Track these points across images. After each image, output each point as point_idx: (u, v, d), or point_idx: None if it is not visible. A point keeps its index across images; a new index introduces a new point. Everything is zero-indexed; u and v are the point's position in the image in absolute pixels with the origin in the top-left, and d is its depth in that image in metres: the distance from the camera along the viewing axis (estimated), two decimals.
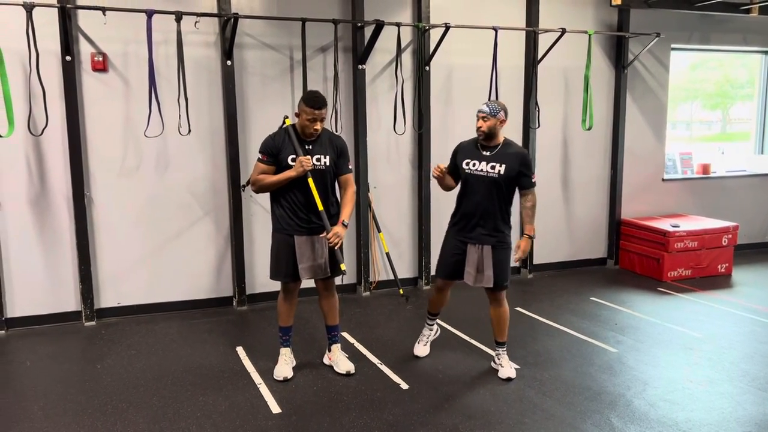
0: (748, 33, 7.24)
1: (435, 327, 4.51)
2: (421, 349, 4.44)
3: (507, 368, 4.07)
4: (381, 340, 4.74)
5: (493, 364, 4.22)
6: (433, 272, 6.19)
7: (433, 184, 6.01)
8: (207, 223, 5.46)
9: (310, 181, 3.79)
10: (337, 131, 5.62)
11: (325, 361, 4.26)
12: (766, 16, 6.83)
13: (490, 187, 3.90)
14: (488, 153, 3.94)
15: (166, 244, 5.37)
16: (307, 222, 3.85)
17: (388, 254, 5.85)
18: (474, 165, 3.96)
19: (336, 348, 4.19)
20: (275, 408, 3.63)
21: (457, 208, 4.09)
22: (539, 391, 3.85)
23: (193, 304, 5.49)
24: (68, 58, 4.83)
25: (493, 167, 3.90)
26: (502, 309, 4.07)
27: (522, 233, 3.96)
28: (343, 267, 3.90)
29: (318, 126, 3.78)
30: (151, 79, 4.76)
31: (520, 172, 3.91)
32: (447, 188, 4.20)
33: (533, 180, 3.97)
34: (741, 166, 7.84)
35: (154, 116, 4.86)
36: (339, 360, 4.14)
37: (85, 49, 4.96)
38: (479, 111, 3.96)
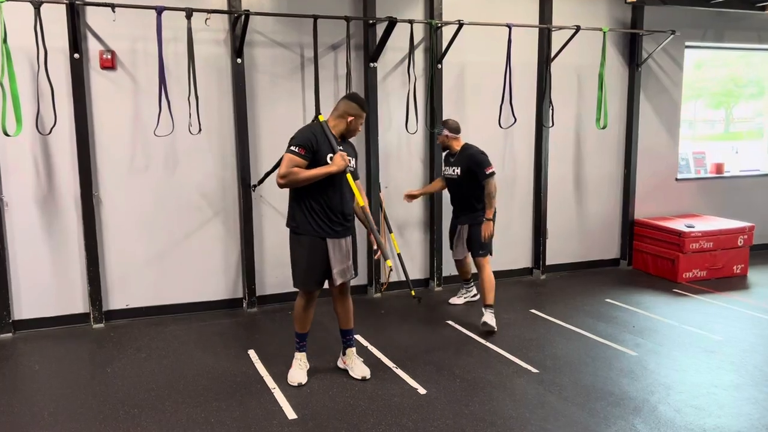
0: (763, 30, 7.14)
1: (473, 290, 5.64)
2: (456, 300, 5.64)
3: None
4: (395, 343, 4.65)
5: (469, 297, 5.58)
6: (445, 273, 6.13)
7: None
8: (216, 223, 5.38)
9: (350, 176, 3.72)
10: None
11: (339, 365, 4.17)
12: None
13: (457, 184, 5.15)
14: (453, 159, 5.17)
15: (175, 245, 5.28)
16: (338, 224, 3.78)
17: (399, 255, 5.76)
18: (446, 170, 5.27)
19: (351, 352, 4.10)
20: (291, 414, 3.55)
21: (450, 200, 5.39)
22: (560, 396, 3.76)
23: (202, 306, 5.40)
24: (76, 55, 4.74)
25: (454, 170, 5.13)
26: (483, 274, 5.02)
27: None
28: (389, 263, 4.30)
29: (361, 128, 3.88)
30: (161, 77, 4.68)
31: (470, 169, 4.98)
32: (431, 192, 5.72)
33: (486, 173, 4.91)
34: (755, 165, 7.73)
35: (164, 115, 4.77)
36: (354, 364, 4.06)
37: (93, 47, 4.88)
38: (437, 133, 5.30)
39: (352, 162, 3.84)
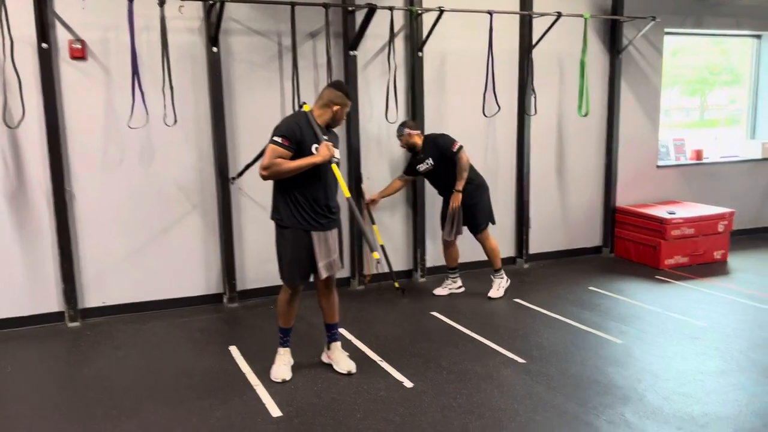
0: (742, 17, 7.15)
1: (458, 281, 5.62)
2: (440, 291, 5.57)
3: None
4: (379, 336, 4.58)
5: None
6: (429, 264, 6.06)
7: None
8: (194, 217, 5.25)
9: (335, 167, 3.62)
10: None
11: (324, 359, 4.09)
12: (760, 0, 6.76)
13: (436, 174, 5.32)
14: (421, 155, 5.33)
15: (152, 240, 5.14)
16: (323, 216, 3.68)
17: (382, 246, 5.69)
18: (420, 167, 5.37)
19: (336, 346, 4.02)
20: (275, 411, 3.46)
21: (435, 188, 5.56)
22: (548, 386, 3.72)
23: (182, 302, 5.28)
24: (45, 45, 4.57)
25: (427, 162, 5.29)
26: (487, 245, 5.42)
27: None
28: (376, 256, 4.14)
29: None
30: (134, 68, 4.53)
31: (441, 154, 5.18)
32: (392, 194, 5.72)
33: (454, 150, 5.12)
34: (734, 151, 7.78)
35: (137, 106, 4.62)
36: (339, 359, 3.98)
37: (62, 36, 4.70)
38: (398, 136, 5.43)
39: (337, 153, 3.74)
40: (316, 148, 3.58)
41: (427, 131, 5.82)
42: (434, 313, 5.07)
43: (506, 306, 5.24)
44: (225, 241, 5.26)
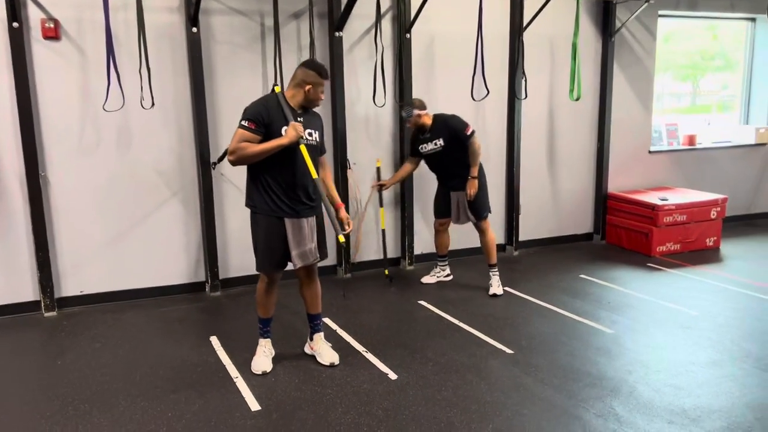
0: None
1: (447, 269, 5.48)
2: (428, 279, 5.43)
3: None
4: (365, 326, 4.46)
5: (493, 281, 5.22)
6: (416, 252, 5.94)
7: None
8: (175, 203, 5.09)
9: (303, 148, 3.42)
10: None
11: (306, 350, 3.97)
12: None
13: (443, 156, 5.05)
14: (428, 134, 5.06)
15: (131, 227, 4.99)
16: (298, 202, 3.51)
17: (384, 231, 5.51)
18: (425, 147, 5.09)
19: (318, 337, 3.90)
20: (254, 405, 3.34)
21: (434, 172, 5.31)
22: (536, 378, 3.62)
23: (162, 291, 5.14)
24: (15, 24, 4.38)
25: (436, 143, 5.02)
26: (487, 237, 5.16)
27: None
28: (341, 239, 3.59)
29: (323, 97, 3.57)
30: (109, 48, 4.34)
31: (454, 136, 4.95)
32: (404, 179, 5.50)
33: (467, 133, 4.92)
34: (726, 137, 7.67)
35: (113, 88, 4.45)
36: (322, 350, 3.86)
37: (34, 15, 4.51)
38: (402, 118, 5.20)
39: (315, 135, 3.58)
40: (285, 130, 3.42)
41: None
42: (422, 302, 4.95)
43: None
44: (207, 228, 5.12)
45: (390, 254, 5.92)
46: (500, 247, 6.38)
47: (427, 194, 5.89)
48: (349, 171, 5.52)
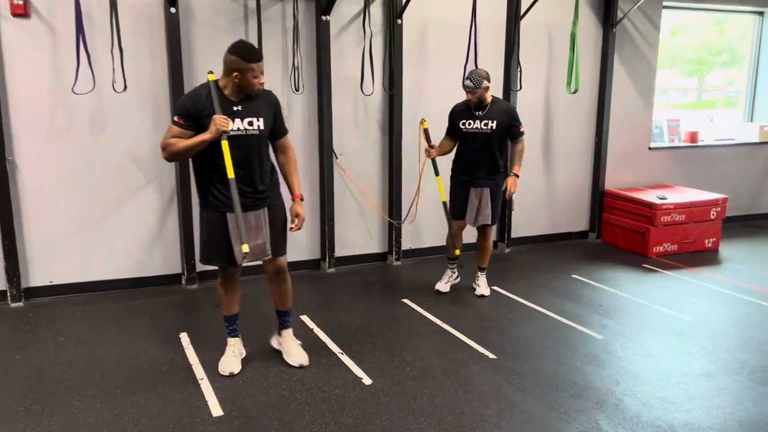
0: None
1: (456, 271, 5.02)
2: (443, 286, 4.94)
3: (483, 288, 4.89)
4: (344, 325, 4.26)
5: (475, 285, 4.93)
6: (404, 246, 5.73)
7: (405, 150, 5.53)
8: (150, 191, 4.88)
9: (225, 144, 3.13)
10: (298, 90, 5.06)
11: (273, 344, 3.77)
12: None
13: (488, 140, 4.53)
14: (480, 112, 4.54)
15: (104, 215, 4.78)
16: (241, 196, 3.25)
17: (445, 203, 4.89)
18: (469, 124, 4.57)
19: (287, 334, 3.70)
20: (216, 410, 3.14)
21: (459, 158, 4.72)
22: (518, 387, 3.42)
23: (136, 283, 4.94)
24: None
25: (486, 124, 4.52)
26: (488, 242, 4.82)
27: (511, 174, 4.56)
28: (245, 249, 3.20)
29: (263, 80, 3.23)
30: (79, 27, 4.12)
31: (510, 125, 4.55)
32: (445, 154, 4.78)
33: (521, 130, 4.60)
34: (730, 134, 7.43)
35: (84, 70, 4.23)
36: (291, 349, 3.66)
37: None
38: (465, 87, 4.48)
39: (259, 122, 3.25)
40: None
41: (405, 105, 5.47)
42: (405, 301, 4.75)
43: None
44: (184, 217, 4.91)
45: (376, 249, 5.73)
46: (492, 245, 6.16)
47: (416, 185, 5.67)
48: (335, 160, 5.30)
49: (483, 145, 4.55)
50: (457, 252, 4.85)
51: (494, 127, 4.50)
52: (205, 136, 3.12)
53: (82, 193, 4.69)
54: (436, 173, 4.86)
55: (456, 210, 4.74)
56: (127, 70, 4.46)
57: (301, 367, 3.58)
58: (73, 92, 4.28)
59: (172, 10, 4.59)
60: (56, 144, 4.56)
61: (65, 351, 3.82)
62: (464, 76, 5.26)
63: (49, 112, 4.51)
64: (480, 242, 4.84)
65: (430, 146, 4.70)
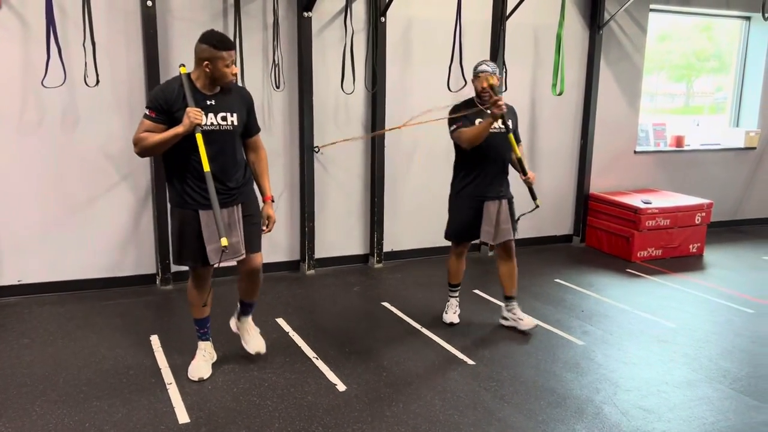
0: None
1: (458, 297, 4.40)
2: (453, 317, 4.29)
3: (528, 318, 4.15)
4: (320, 329, 4.15)
5: (504, 321, 4.25)
6: (386, 249, 5.63)
7: (388, 150, 5.43)
8: (124, 188, 4.75)
9: (199, 137, 3.03)
10: (279, 88, 4.95)
11: (232, 326, 3.71)
12: None
13: (503, 142, 3.89)
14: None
15: (76, 213, 4.65)
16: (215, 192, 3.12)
17: (537, 202, 4.10)
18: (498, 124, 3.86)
19: (246, 320, 3.63)
20: (183, 416, 3.03)
21: (470, 169, 3.97)
22: (496, 394, 3.33)
23: (108, 283, 4.81)
24: None
25: (503, 123, 3.87)
26: (514, 261, 4.18)
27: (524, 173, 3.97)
28: (224, 242, 3.01)
29: (236, 70, 3.12)
30: (49, 18, 3.99)
31: (515, 125, 4.05)
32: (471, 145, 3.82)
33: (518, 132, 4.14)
34: (715, 139, 7.40)
35: (55, 63, 4.09)
36: (249, 335, 3.60)
37: None
38: (480, 72, 3.83)
39: (233, 117, 3.16)
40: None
41: (388, 104, 5.38)
42: (385, 304, 4.65)
43: (463, 298, 4.80)
44: (158, 216, 4.78)
45: (357, 250, 5.62)
46: (475, 247, 6.09)
47: (398, 187, 5.59)
48: (315, 155, 5.19)
49: (501, 149, 3.91)
50: (461, 277, 4.29)
51: (511, 126, 3.91)
52: (178, 129, 3.02)
53: (54, 190, 4.55)
54: (534, 197, 4.04)
55: (464, 231, 4.06)
56: (102, 65, 4.33)
57: (257, 354, 3.54)
58: (43, 86, 4.15)
59: (149, 3, 4.46)
60: (26, 139, 4.42)
61: (29, 353, 3.69)
62: (448, 78, 5.21)
63: (19, 106, 4.38)
64: (504, 263, 4.15)
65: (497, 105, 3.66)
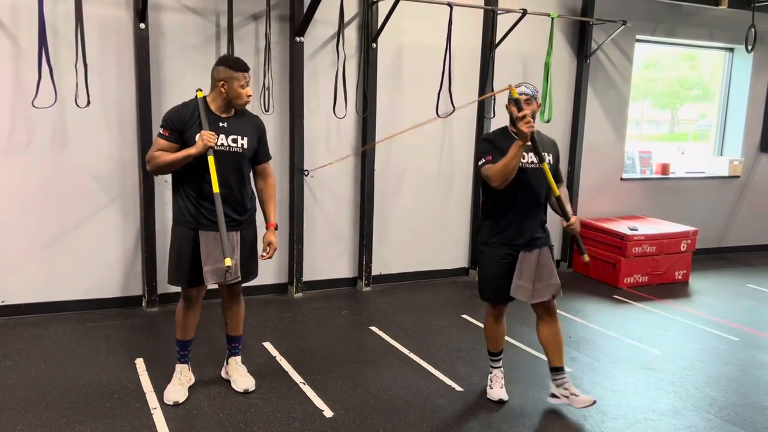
0: (715, 28, 6.86)
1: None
2: (501, 392, 3.55)
3: (583, 396, 3.39)
4: (308, 353, 4.13)
5: (554, 399, 3.45)
6: (375, 272, 5.63)
7: (378, 174, 5.45)
8: (113, 211, 4.73)
9: (211, 159, 3.09)
10: (268, 111, 4.98)
11: (223, 375, 3.66)
12: (735, 10, 6.48)
13: (541, 180, 3.24)
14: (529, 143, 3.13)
15: (63, 234, 4.61)
16: (216, 215, 3.14)
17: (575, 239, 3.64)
18: (524, 157, 3.20)
19: (234, 361, 3.61)
20: None
21: (500, 214, 3.31)
22: (483, 422, 3.32)
23: (94, 304, 4.76)
24: None
25: (537, 154, 3.20)
26: (558, 323, 3.45)
27: (567, 218, 3.32)
28: (228, 262, 3.01)
29: (251, 92, 3.21)
30: (42, 39, 4.00)
31: (556, 160, 3.42)
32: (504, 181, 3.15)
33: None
34: (700, 167, 7.52)
35: (46, 84, 4.10)
36: (237, 375, 3.56)
37: None
38: (522, 93, 3.18)
39: (243, 141, 3.22)
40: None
41: (378, 129, 5.41)
42: (373, 328, 4.64)
43: (451, 323, 4.83)
44: (146, 239, 4.76)
45: (345, 274, 5.62)
46: (463, 271, 6.11)
47: (387, 210, 5.61)
48: (305, 179, 5.20)
49: (539, 188, 3.29)
50: (503, 344, 3.63)
51: (551, 161, 3.32)
52: (190, 150, 3.08)
53: (41, 211, 4.52)
54: (582, 251, 3.55)
55: (498, 289, 3.37)
56: (93, 86, 4.34)
57: (246, 392, 3.49)
58: (34, 106, 4.14)
59: (142, 25, 4.49)
60: (14, 159, 4.41)
61: (11, 376, 3.63)
62: (437, 104, 5.25)
63: (9, 126, 4.36)
64: (546, 326, 3.45)
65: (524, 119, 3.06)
